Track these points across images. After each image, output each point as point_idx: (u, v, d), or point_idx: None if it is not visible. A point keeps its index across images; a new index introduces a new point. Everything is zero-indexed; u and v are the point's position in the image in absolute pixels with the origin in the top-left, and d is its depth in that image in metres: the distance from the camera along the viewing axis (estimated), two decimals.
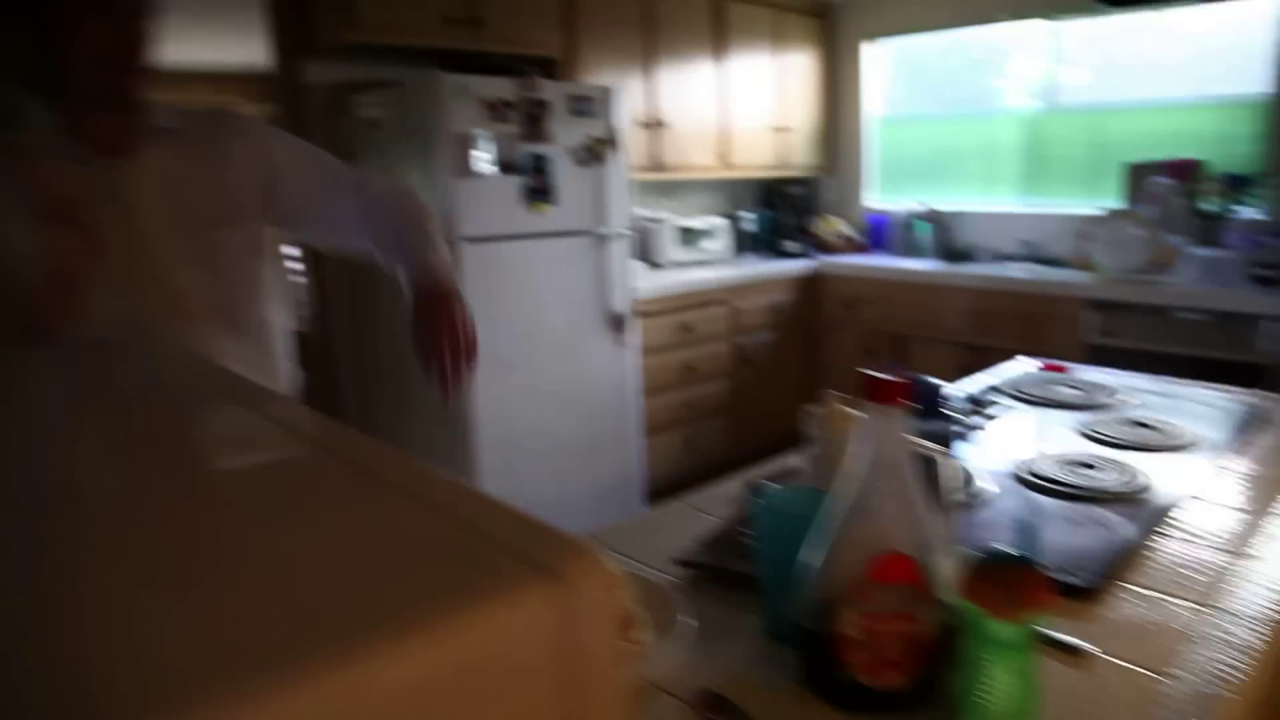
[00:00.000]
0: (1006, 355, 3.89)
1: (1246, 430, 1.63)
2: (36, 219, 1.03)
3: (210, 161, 1.51)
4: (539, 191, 3.21)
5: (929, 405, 1.01)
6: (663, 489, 3.92)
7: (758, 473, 1.46)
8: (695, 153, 4.38)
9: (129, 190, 1.50)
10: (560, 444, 3.36)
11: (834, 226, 4.96)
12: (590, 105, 3.37)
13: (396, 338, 3.35)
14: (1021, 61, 4.52)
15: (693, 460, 4.06)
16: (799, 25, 4.90)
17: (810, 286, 4.61)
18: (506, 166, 3.13)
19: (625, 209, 3.51)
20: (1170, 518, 1.25)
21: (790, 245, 4.83)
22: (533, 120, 3.19)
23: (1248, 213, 3.75)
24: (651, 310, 3.81)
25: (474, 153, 3.04)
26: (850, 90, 5.13)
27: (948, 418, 1.01)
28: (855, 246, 4.92)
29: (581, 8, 3.81)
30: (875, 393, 0.75)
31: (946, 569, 0.75)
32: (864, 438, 0.76)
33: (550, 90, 3.26)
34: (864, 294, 4.44)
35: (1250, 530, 1.22)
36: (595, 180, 3.41)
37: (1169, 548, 1.16)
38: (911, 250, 4.70)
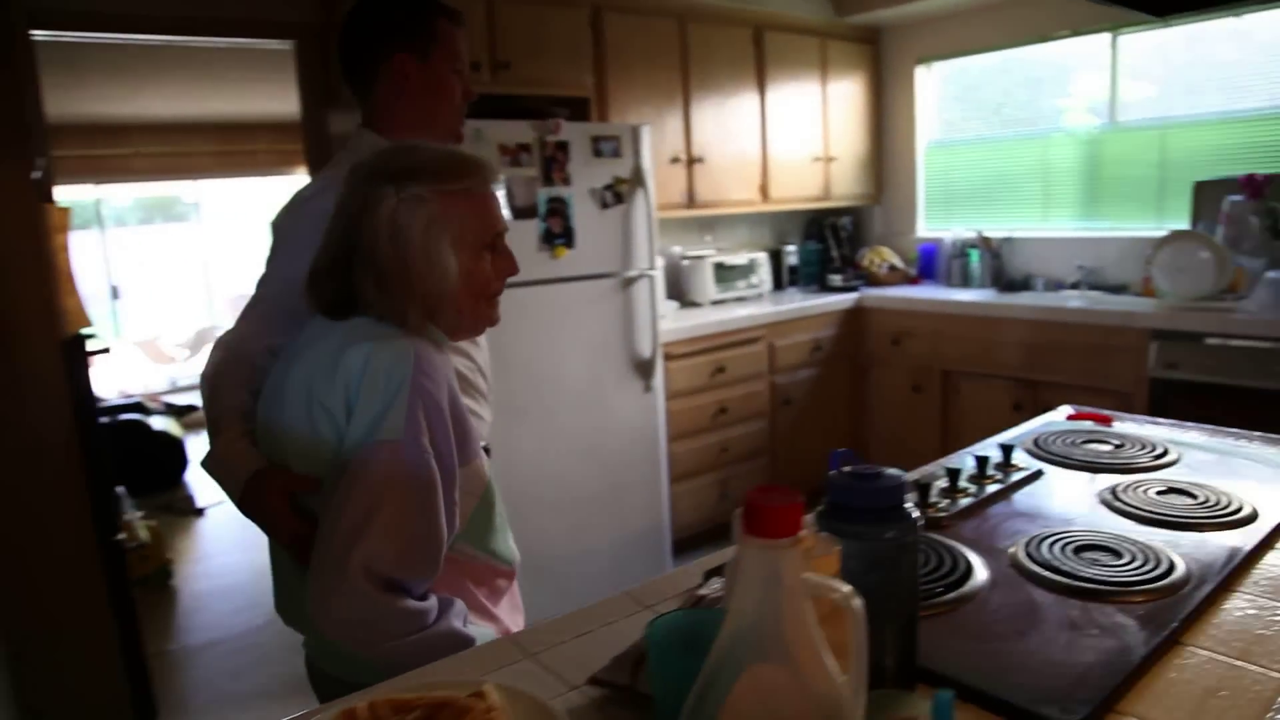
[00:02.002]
0: (1066, 391, 3.70)
1: None
2: (481, 248, 1.27)
3: None
4: (558, 235, 3.12)
5: (890, 507, 0.85)
6: (698, 535, 3.78)
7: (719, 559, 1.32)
8: (734, 187, 4.25)
9: None
10: (581, 494, 3.24)
11: (882, 257, 4.77)
12: (614, 145, 3.28)
13: None
14: (1080, 79, 4.29)
15: (729, 505, 3.89)
16: (846, 51, 4.75)
17: (855, 321, 4.42)
18: (525, 211, 3.04)
19: (652, 249, 3.39)
20: (1204, 621, 1.06)
21: (836, 278, 4.65)
22: (553, 163, 3.11)
23: None
24: (682, 351, 3.67)
25: None
26: (900, 115, 4.94)
27: (908, 521, 0.85)
28: (905, 278, 4.71)
29: (613, 46, 3.73)
30: (757, 525, 0.60)
31: None
32: (750, 575, 0.62)
33: (571, 131, 3.17)
34: (912, 328, 4.23)
35: None
36: (619, 221, 3.30)
37: (1197, 664, 0.97)
38: (964, 280, 4.48)
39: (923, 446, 4.17)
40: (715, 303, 4.25)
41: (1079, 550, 1.21)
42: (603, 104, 3.73)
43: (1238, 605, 1.10)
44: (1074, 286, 4.13)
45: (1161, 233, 3.65)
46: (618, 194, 3.28)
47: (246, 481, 1.27)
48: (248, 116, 7.63)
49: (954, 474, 1.45)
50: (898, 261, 4.78)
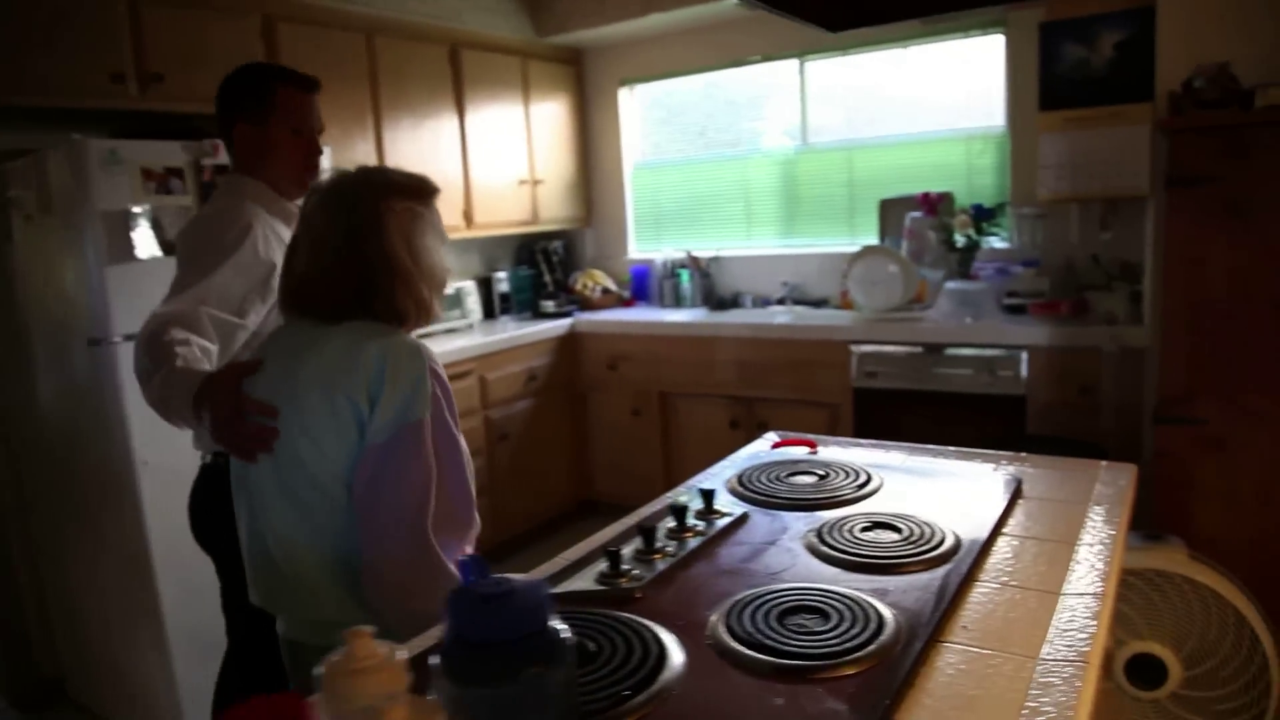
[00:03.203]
0: (780, 406, 3.74)
1: (1006, 517, 1.38)
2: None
3: None
4: None
5: (530, 635, 0.64)
6: None
7: None
8: None
9: None
10: None
11: (596, 280, 4.67)
12: None
13: (53, 442, 2.89)
14: (775, 103, 4.40)
15: None
16: (548, 72, 4.62)
17: (570, 347, 4.28)
18: (174, 246, 2.62)
19: None
20: (918, 688, 0.94)
21: (549, 304, 4.49)
22: (211, 189, 2.70)
23: (996, 243, 3.72)
24: None
25: (133, 233, 2.53)
26: (606, 137, 4.88)
27: (556, 647, 0.64)
28: (619, 300, 4.64)
29: (290, 60, 3.32)
30: None
31: None
32: None
33: None
34: (628, 351, 4.15)
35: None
36: None
37: None
38: (676, 300, 4.47)
39: (645, 471, 4.09)
40: (421, 337, 3.94)
41: (784, 615, 1.06)
42: None
43: (949, 660, 1.00)
44: (780, 302, 4.21)
45: (854, 248, 3.79)
46: None
47: (204, 379, 1.43)
48: None
49: (649, 533, 1.28)
50: (611, 284, 4.70)
